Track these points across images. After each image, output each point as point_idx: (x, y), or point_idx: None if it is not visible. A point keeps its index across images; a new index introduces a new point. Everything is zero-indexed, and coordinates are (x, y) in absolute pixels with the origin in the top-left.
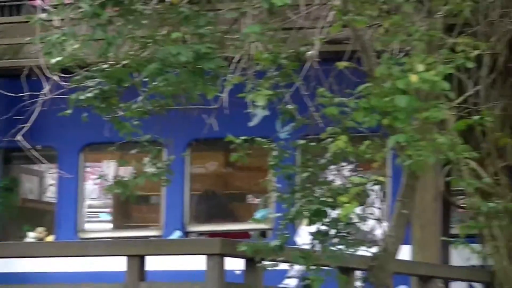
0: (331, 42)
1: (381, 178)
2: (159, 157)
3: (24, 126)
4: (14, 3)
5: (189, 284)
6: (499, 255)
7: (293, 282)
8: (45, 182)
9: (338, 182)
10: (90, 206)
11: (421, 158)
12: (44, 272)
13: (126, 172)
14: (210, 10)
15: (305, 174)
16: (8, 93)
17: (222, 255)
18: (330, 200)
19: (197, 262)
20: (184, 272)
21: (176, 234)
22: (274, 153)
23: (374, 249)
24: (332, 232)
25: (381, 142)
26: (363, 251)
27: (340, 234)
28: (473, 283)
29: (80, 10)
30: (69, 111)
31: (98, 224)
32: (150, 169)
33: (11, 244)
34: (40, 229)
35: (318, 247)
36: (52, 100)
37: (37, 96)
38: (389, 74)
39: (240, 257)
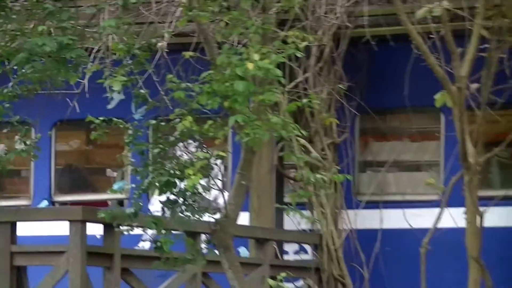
0: (179, 35)
1: (222, 153)
2: (27, 136)
3: None
4: None
5: (55, 246)
6: (325, 220)
7: (147, 244)
8: None
9: (185, 157)
10: None
11: (257, 135)
12: None
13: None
14: (71, 7)
15: (156, 150)
16: None
17: (84, 221)
18: (178, 172)
19: (63, 228)
20: (51, 237)
21: (44, 203)
22: (129, 132)
23: (217, 216)
24: (180, 200)
25: (222, 122)
26: (208, 217)
27: (187, 202)
28: (303, 245)
29: None
30: None
31: None
32: (19, 146)
33: None
34: None
35: (168, 214)
36: None
37: None
38: (229, 63)
39: (100, 223)
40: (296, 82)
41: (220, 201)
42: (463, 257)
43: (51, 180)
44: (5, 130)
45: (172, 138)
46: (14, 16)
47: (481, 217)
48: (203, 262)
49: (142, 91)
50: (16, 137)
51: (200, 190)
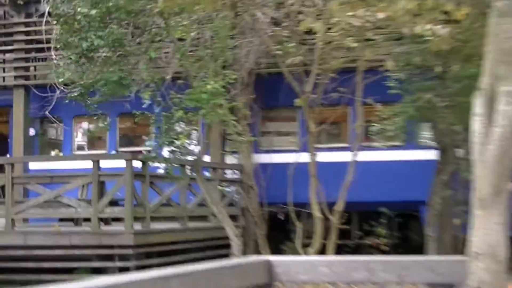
0: (176, 72)
1: (197, 128)
2: (105, 120)
3: (47, 109)
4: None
5: (118, 172)
6: (245, 158)
7: (162, 171)
8: (58, 131)
9: (179, 129)
10: (79, 141)
11: (213, 119)
12: (59, 168)
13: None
14: (125, 59)
15: (165, 127)
16: (40, 94)
17: (131, 160)
18: (176, 137)
19: (122, 163)
20: (117, 168)
21: (113, 152)
22: (153, 118)
23: (195, 157)
24: (177, 150)
25: (196, 113)
26: (190, 157)
27: (180, 151)
28: (235, 170)
29: (69, 61)
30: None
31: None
32: (101, 125)
33: (44, 156)
34: (56, 150)
35: (171, 156)
36: (61, 97)
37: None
38: (199, 86)
39: (139, 160)
40: (231, 95)
41: (196, 150)
42: (308, 176)
43: (116, 141)
44: (95, 118)
45: (172, 121)
46: (98, 64)
47: (315, 157)
48: (188, 179)
49: (159, 99)
50: (100, 121)
51: (186, 145)
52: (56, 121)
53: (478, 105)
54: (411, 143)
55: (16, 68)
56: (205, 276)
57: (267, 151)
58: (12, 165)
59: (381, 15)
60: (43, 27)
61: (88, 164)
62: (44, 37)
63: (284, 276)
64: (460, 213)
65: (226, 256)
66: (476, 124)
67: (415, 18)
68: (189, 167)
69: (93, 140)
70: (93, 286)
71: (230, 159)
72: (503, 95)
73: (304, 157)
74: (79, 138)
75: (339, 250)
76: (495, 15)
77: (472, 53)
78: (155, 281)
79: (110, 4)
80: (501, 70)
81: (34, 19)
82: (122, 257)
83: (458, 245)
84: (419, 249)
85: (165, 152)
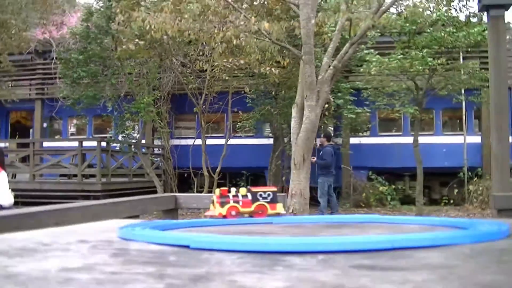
0: (127, 92)
1: (137, 123)
2: (86, 118)
3: (53, 112)
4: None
5: (92, 148)
6: (165, 141)
7: (118, 148)
8: (60, 124)
9: (128, 124)
10: (71, 131)
11: (147, 119)
12: (60, 145)
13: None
14: (97, 83)
15: (120, 122)
16: (50, 103)
17: (101, 141)
18: (126, 128)
19: (95, 143)
20: (92, 146)
21: (90, 136)
22: (113, 118)
23: (136, 140)
24: (126, 136)
25: (137, 115)
26: (134, 140)
27: (128, 136)
28: (159, 148)
29: (66, 85)
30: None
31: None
32: (83, 121)
33: (51, 139)
34: (58, 135)
35: (123, 139)
36: (61, 105)
37: (57, 104)
38: (139, 99)
39: (105, 141)
40: (157, 105)
41: (137, 136)
42: (201, 152)
43: (92, 130)
44: (79, 117)
45: (124, 119)
46: (82, 86)
47: (205, 141)
48: (133, 152)
49: (116, 107)
50: (82, 119)
51: (131, 133)
52: (58, 119)
53: (294, 112)
54: (259, 134)
55: (37, 89)
56: (139, 203)
57: (178, 138)
58: (34, 143)
59: (242, 61)
60: (53, 65)
61: (76, 143)
62: (52, 71)
63: (184, 205)
64: (285, 173)
65: None
66: (293, 122)
67: (261, 63)
68: (133, 146)
69: (79, 130)
70: (82, 205)
71: (157, 142)
72: (307, 107)
73: (198, 141)
74: (71, 129)
75: None
76: (302, 63)
77: (292, 84)
78: (110, 204)
79: (90, 53)
80: (306, 93)
81: (48, 61)
82: (95, 197)
83: (284, 191)
84: None
85: (120, 137)
